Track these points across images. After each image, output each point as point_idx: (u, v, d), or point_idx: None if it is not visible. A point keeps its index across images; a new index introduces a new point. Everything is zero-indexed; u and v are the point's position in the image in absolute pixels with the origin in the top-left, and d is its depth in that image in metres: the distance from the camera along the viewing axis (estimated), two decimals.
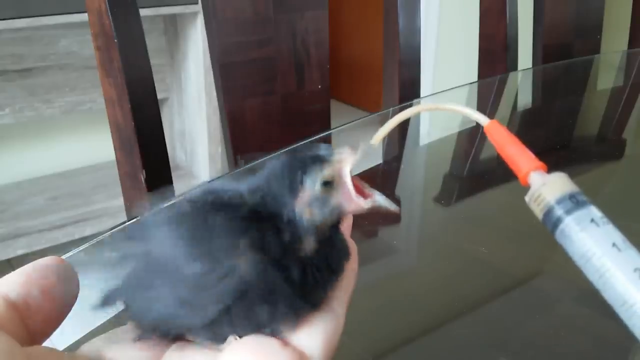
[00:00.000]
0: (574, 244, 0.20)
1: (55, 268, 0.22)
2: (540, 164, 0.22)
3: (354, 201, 0.23)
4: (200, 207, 0.22)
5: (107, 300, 0.24)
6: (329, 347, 0.21)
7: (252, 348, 0.20)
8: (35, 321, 0.21)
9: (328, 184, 0.22)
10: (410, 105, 0.25)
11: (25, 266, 0.22)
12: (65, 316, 0.23)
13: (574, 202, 0.21)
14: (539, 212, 0.22)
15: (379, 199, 0.23)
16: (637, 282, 0.19)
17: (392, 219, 0.63)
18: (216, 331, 0.22)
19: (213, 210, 0.22)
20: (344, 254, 0.24)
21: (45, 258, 0.23)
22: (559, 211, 0.21)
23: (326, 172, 0.22)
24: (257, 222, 0.22)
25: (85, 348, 0.23)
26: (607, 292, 0.19)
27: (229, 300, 0.21)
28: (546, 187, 0.21)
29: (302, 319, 0.22)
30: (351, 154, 0.23)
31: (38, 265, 0.22)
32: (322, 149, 0.23)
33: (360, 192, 0.23)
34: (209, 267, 0.21)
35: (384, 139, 0.24)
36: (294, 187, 0.22)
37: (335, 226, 0.23)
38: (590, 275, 0.20)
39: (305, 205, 0.22)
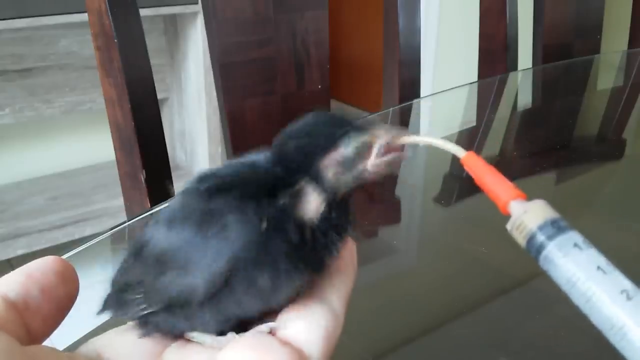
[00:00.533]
0: (558, 269, 0.20)
1: (55, 268, 0.22)
2: (519, 192, 0.22)
3: (375, 165, 0.23)
4: (195, 192, 0.23)
5: (107, 305, 0.24)
6: (328, 345, 0.21)
7: (251, 346, 0.20)
8: (35, 321, 0.21)
9: (360, 152, 0.22)
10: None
11: (25, 266, 0.22)
12: (65, 316, 0.23)
13: (555, 228, 0.21)
14: (521, 239, 0.22)
15: (393, 158, 0.23)
16: (624, 304, 0.19)
17: (392, 219, 0.63)
18: (221, 311, 0.22)
19: (210, 193, 0.22)
20: (348, 223, 0.24)
21: (45, 258, 0.23)
22: (541, 237, 0.21)
23: (364, 138, 0.23)
24: (259, 187, 0.22)
25: (85, 348, 0.23)
26: (595, 316, 0.19)
27: (223, 264, 0.21)
28: (527, 214, 0.21)
29: (303, 285, 0.22)
30: (385, 132, 0.23)
31: (38, 265, 0.22)
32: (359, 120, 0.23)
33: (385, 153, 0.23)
34: (201, 234, 0.21)
35: None
36: (328, 143, 0.22)
37: (349, 196, 0.24)
38: (577, 300, 0.20)
39: (334, 165, 0.22)
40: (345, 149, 0.22)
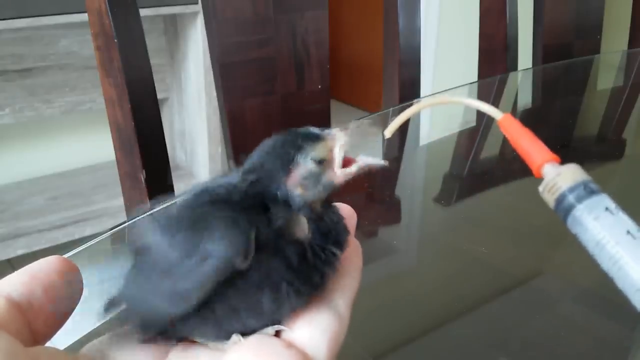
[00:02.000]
0: (587, 231, 0.21)
1: (58, 268, 0.22)
2: (553, 156, 0.22)
3: (341, 173, 0.23)
4: (190, 204, 0.23)
5: (110, 306, 0.24)
6: (333, 348, 0.21)
7: (256, 349, 0.20)
8: (38, 321, 0.21)
9: (321, 160, 0.23)
10: (411, 106, 0.25)
11: (29, 266, 0.22)
12: (69, 316, 0.23)
13: (587, 191, 0.21)
14: (552, 201, 0.22)
15: (364, 160, 0.24)
16: None
17: (392, 219, 0.63)
18: (222, 326, 0.22)
19: (204, 205, 0.22)
20: (342, 229, 0.24)
21: (49, 258, 0.23)
22: (572, 198, 0.21)
23: (319, 149, 0.23)
24: (248, 207, 0.22)
25: (88, 348, 0.23)
26: (621, 279, 0.20)
27: (211, 286, 0.21)
28: (560, 177, 0.22)
29: (305, 301, 0.22)
30: (342, 132, 0.23)
31: (41, 265, 0.22)
32: (313, 129, 0.24)
33: (347, 162, 0.23)
34: (190, 253, 0.21)
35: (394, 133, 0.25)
36: (286, 164, 0.23)
37: (327, 203, 0.24)
38: (604, 262, 0.20)
39: (298, 182, 0.23)
40: (304, 164, 0.23)
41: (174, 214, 0.23)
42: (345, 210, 0.25)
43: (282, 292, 0.21)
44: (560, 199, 0.21)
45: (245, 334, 0.22)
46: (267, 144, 0.24)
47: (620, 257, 0.20)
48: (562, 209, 0.21)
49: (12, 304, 0.20)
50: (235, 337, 0.22)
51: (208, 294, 0.21)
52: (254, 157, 0.23)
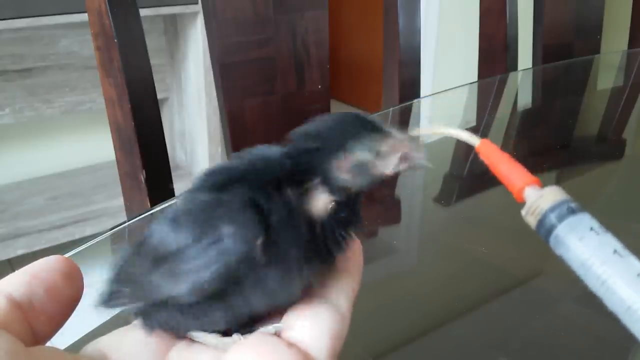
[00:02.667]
0: (571, 251, 0.21)
1: (60, 267, 0.22)
2: (534, 178, 0.22)
3: (390, 168, 0.23)
4: (205, 185, 0.22)
5: (109, 297, 0.24)
6: (334, 346, 0.21)
7: (257, 347, 0.20)
8: (39, 321, 0.21)
9: (377, 154, 0.23)
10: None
11: (30, 265, 0.22)
12: (70, 316, 0.23)
13: (569, 211, 0.21)
14: (535, 223, 0.22)
15: (414, 159, 0.23)
16: None
17: (392, 219, 0.63)
18: (231, 309, 0.22)
19: (218, 185, 0.22)
20: (359, 218, 0.24)
21: (50, 257, 0.23)
22: (553, 218, 0.21)
23: (380, 144, 0.23)
24: (264, 185, 0.22)
25: (89, 348, 0.23)
26: (610, 298, 0.20)
27: (226, 278, 0.21)
28: (542, 199, 0.22)
29: (316, 279, 0.22)
30: (405, 136, 0.23)
31: (42, 265, 0.22)
32: (379, 121, 0.23)
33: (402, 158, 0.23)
34: (204, 243, 0.21)
35: None
36: (346, 145, 0.22)
37: (361, 193, 0.24)
38: (591, 283, 0.20)
39: (349, 167, 0.22)
40: (359, 154, 0.22)
41: (183, 201, 0.22)
42: None
43: (292, 268, 0.21)
44: (542, 219, 0.21)
45: (250, 321, 0.22)
46: (333, 118, 0.23)
47: (608, 277, 0.20)
48: (544, 229, 0.21)
49: (13, 304, 0.20)
50: (236, 336, 0.22)
51: (221, 284, 0.21)
52: (318, 126, 0.23)
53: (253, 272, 0.21)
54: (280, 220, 0.21)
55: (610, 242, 0.20)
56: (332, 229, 0.22)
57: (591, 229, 0.21)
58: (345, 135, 0.23)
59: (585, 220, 0.21)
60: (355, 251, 0.25)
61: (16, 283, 0.21)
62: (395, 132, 0.23)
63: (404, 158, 0.23)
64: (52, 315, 0.22)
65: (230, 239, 0.20)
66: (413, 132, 0.24)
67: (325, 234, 0.22)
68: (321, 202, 0.22)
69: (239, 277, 0.21)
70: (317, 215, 0.22)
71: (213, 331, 0.23)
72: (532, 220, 0.22)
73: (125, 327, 0.24)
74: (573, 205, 0.21)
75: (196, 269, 0.21)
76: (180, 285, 0.21)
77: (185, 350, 0.23)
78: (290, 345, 0.21)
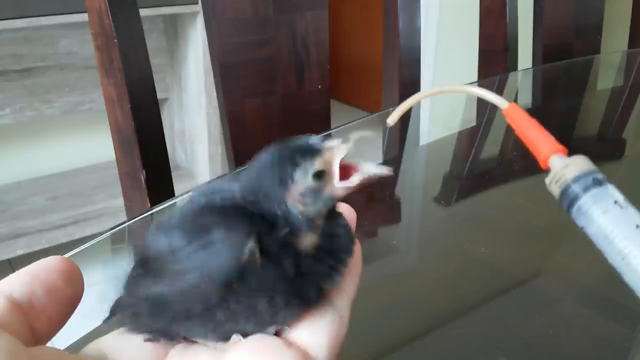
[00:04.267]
0: (594, 223, 0.20)
1: (60, 267, 0.22)
2: (560, 147, 0.22)
3: (342, 186, 0.22)
4: (193, 210, 0.22)
5: (116, 309, 0.24)
6: (333, 346, 0.21)
7: (256, 348, 0.20)
8: (40, 321, 0.21)
9: (320, 175, 0.22)
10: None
11: (30, 265, 0.22)
12: (70, 316, 0.23)
13: (594, 182, 0.21)
14: (558, 192, 0.21)
15: (366, 170, 0.22)
16: None
17: (392, 219, 0.63)
18: (220, 329, 0.22)
19: (207, 212, 0.22)
20: (347, 238, 0.23)
21: (51, 257, 0.23)
22: (577, 188, 0.21)
23: (317, 163, 0.22)
24: (251, 219, 0.22)
25: (89, 348, 0.23)
26: (629, 273, 0.19)
27: (216, 290, 0.21)
28: (567, 168, 0.21)
29: (306, 311, 0.22)
30: (342, 143, 0.22)
31: (43, 265, 0.22)
32: (312, 139, 0.23)
33: (348, 170, 0.22)
34: (197, 249, 0.21)
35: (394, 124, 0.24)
36: (284, 181, 0.22)
37: (331, 213, 0.23)
38: (612, 257, 0.20)
39: (298, 198, 0.22)
40: (303, 180, 0.22)
41: (177, 220, 0.23)
42: (345, 209, 0.25)
43: (276, 302, 0.21)
44: (565, 189, 0.21)
45: (245, 335, 0.22)
46: (263, 158, 0.23)
47: (629, 252, 0.19)
48: (567, 199, 0.21)
49: (13, 304, 0.20)
50: (236, 337, 0.22)
51: (215, 292, 0.21)
52: (251, 174, 0.23)
53: (243, 295, 0.21)
54: (266, 250, 0.21)
55: (633, 216, 0.20)
56: (319, 263, 0.22)
57: (615, 202, 0.20)
58: (281, 170, 0.22)
59: (609, 192, 0.20)
60: (354, 253, 0.25)
61: (16, 283, 0.21)
62: (333, 143, 0.22)
63: (348, 171, 0.22)
64: (52, 315, 0.22)
65: (216, 254, 0.21)
66: (435, 90, 0.24)
67: (313, 269, 0.22)
68: (303, 239, 0.22)
69: (230, 302, 0.21)
70: (302, 250, 0.22)
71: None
72: (555, 190, 0.21)
73: (125, 328, 0.24)
74: (599, 176, 0.21)
75: (188, 271, 0.21)
76: (173, 302, 0.22)
77: (186, 350, 0.23)
78: (290, 345, 0.21)
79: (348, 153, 0.22)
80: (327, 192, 0.22)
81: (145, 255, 0.23)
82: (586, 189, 0.20)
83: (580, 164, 0.21)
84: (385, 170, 0.22)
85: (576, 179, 0.21)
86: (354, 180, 0.22)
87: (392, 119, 0.24)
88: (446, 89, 0.25)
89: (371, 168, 0.22)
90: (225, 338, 0.22)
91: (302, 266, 0.22)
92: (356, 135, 0.22)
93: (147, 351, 0.23)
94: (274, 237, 0.22)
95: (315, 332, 0.21)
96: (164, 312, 0.22)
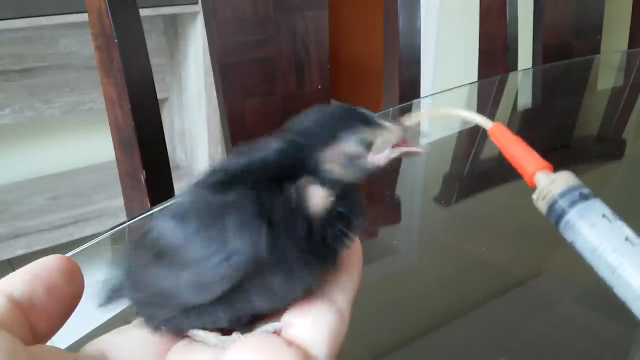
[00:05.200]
0: (582, 237, 0.20)
1: (60, 266, 0.22)
2: (546, 163, 0.22)
3: (381, 158, 0.23)
4: (208, 186, 0.22)
5: (112, 295, 0.24)
6: (334, 345, 0.21)
7: (257, 346, 0.20)
8: (40, 320, 0.21)
9: (366, 146, 0.22)
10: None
11: (30, 264, 0.22)
12: (70, 315, 0.23)
13: (582, 197, 0.21)
14: (545, 208, 0.22)
15: (406, 147, 0.23)
16: None
17: (392, 219, 0.63)
18: (234, 308, 0.22)
19: (221, 186, 0.22)
20: (358, 211, 0.23)
21: (51, 256, 0.23)
22: (563, 203, 0.21)
23: (369, 134, 0.22)
24: (265, 184, 0.21)
25: (89, 347, 0.23)
26: (620, 286, 0.20)
27: (232, 279, 0.21)
28: (554, 184, 0.21)
29: (318, 277, 0.22)
30: (397, 126, 0.23)
31: (43, 264, 0.22)
32: (370, 112, 0.23)
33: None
34: (211, 247, 0.21)
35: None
36: (333, 137, 0.22)
37: (356, 185, 0.23)
38: (602, 270, 0.20)
39: (338, 158, 0.22)
40: (348, 145, 0.22)
41: (187, 202, 0.22)
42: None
43: (294, 268, 0.21)
44: (552, 205, 0.21)
45: (253, 320, 0.22)
46: (323, 110, 0.23)
47: (619, 265, 0.19)
48: (554, 215, 0.21)
49: (13, 303, 0.20)
50: (235, 335, 0.22)
51: (228, 286, 0.21)
52: (310, 119, 0.23)
53: (257, 273, 0.21)
54: (281, 220, 0.21)
55: (622, 229, 0.20)
56: (332, 225, 0.22)
57: (603, 215, 0.20)
58: (335, 127, 0.22)
59: (596, 206, 0.21)
60: (355, 251, 0.25)
61: (16, 282, 0.21)
62: (388, 124, 0.23)
63: (396, 146, 0.23)
64: (53, 314, 0.22)
65: (238, 242, 0.20)
66: (421, 114, 0.24)
67: (326, 230, 0.22)
68: (318, 197, 0.22)
69: (244, 279, 0.21)
70: (315, 212, 0.22)
71: (213, 329, 0.23)
72: (542, 206, 0.22)
73: (125, 326, 0.24)
74: (585, 191, 0.21)
75: (204, 274, 0.21)
76: (188, 290, 0.21)
77: (185, 349, 0.23)
78: (290, 343, 0.21)
79: (399, 136, 0.23)
80: (366, 162, 0.23)
81: (149, 240, 0.23)
82: (572, 204, 0.21)
83: (566, 179, 0.21)
84: (420, 149, 0.23)
85: (563, 194, 0.21)
86: (392, 154, 0.23)
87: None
88: (431, 114, 0.26)
89: (411, 147, 0.23)
90: (238, 321, 0.22)
91: (314, 228, 0.22)
92: (410, 119, 0.23)
93: (146, 350, 0.23)
94: (288, 203, 0.21)
95: (316, 330, 0.21)
96: (173, 299, 0.22)
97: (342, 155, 0.22)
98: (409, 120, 0.24)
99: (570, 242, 0.21)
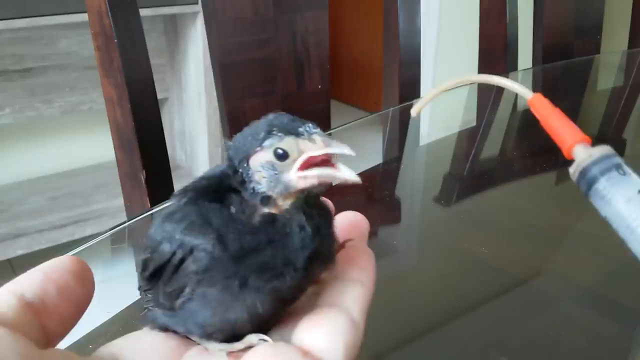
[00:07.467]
0: (615, 210, 0.20)
1: (71, 267, 0.22)
2: (585, 136, 0.22)
3: (298, 177, 0.22)
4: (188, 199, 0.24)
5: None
6: (348, 355, 0.21)
7: (272, 356, 0.20)
8: (52, 321, 0.21)
9: (281, 155, 0.21)
10: (411, 106, 0.25)
11: (42, 265, 0.22)
12: (81, 316, 0.23)
13: (617, 168, 0.21)
14: (577, 176, 0.21)
15: (329, 171, 0.21)
16: None
17: (392, 219, 0.63)
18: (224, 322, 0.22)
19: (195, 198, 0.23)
20: (308, 238, 0.22)
21: (62, 257, 0.23)
22: (596, 171, 0.21)
23: (284, 143, 0.21)
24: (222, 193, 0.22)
25: (102, 351, 0.23)
26: None
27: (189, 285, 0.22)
28: (591, 158, 0.21)
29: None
30: (322, 138, 0.22)
31: (54, 265, 0.22)
32: (304, 124, 0.22)
33: (323, 162, 0.22)
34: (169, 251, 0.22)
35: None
36: (253, 143, 0.22)
37: (309, 203, 0.22)
38: (635, 245, 0.20)
39: (258, 167, 0.22)
40: (266, 151, 0.22)
41: (175, 209, 0.24)
42: (358, 218, 0.25)
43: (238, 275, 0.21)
44: (584, 172, 0.21)
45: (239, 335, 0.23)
46: (263, 120, 0.23)
47: None
48: (585, 182, 0.21)
49: (25, 304, 0.20)
50: (247, 339, 0.22)
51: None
52: (245, 131, 0.23)
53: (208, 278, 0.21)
54: (221, 228, 0.21)
55: None
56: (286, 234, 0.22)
57: (639, 191, 0.20)
58: (259, 137, 0.22)
59: (633, 181, 0.20)
60: (369, 262, 0.25)
61: (28, 283, 0.21)
62: (319, 137, 0.21)
63: (324, 167, 0.21)
64: (64, 315, 0.22)
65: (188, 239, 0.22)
66: (450, 82, 0.23)
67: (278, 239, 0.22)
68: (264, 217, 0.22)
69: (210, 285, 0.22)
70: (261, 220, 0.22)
71: (223, 341, 0.23)
72: (577, 176, 0.21)
73: (138, 332, 0.24)
74: (621, 163, 0.21)
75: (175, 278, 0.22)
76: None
77: (198, 357, 0.23)
78: (305, 353, 0.20)
79: (323, 147, 0.21)
80: (285, 176, 0.22)
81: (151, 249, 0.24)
82: (603, 172, 0.20)
83: (603, 150, 0.21)
84: (354, 178, 0.21)
85: (596, 162, 0.21)
86: (312, 174, 0.21)
87: (416, 109, 0.24)
88: (472, 78, 0.25)
89: (340, 172, 0.22)
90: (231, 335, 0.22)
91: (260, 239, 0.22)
92: (341, 148, 0.21)
93: (160, 356, 0.23)
94: (230, 213, 0.22)
95: (330, 339, 0.21)
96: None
97: (262, 164, 0.22)
98: (444, 86, 0.22)
99: (599, 210, 0.21)
